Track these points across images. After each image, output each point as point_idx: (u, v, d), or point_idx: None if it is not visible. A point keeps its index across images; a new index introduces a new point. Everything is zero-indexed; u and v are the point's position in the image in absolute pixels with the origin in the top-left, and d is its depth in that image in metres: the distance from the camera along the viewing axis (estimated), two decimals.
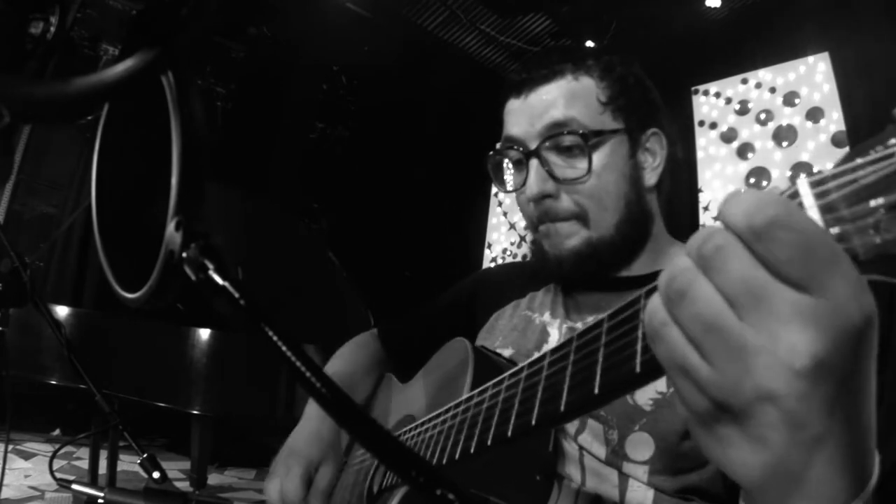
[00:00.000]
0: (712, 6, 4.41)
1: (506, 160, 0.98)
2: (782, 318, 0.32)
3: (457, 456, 0.62)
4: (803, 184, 0.34)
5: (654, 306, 0.37)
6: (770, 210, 0.32)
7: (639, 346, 0.40)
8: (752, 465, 0.35)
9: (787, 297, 0.32)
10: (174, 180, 0.37)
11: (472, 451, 0.59)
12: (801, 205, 0.33)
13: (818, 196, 0.33)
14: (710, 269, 0.34)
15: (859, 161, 0.32)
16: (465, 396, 0.67)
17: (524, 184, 0.92)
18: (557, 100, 0.90)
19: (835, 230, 0.32)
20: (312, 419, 1.06)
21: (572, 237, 0.91)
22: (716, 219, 0.36)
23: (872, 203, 0.31)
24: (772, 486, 0.35)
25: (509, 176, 0.98)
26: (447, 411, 0.71)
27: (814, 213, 0.33)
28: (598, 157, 0.89)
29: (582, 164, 0.88)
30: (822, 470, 0.33)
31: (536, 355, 0.53)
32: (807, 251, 0.31)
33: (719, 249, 0.33)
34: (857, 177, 0.32)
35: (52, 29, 0.42)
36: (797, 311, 0.32)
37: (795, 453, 0.33)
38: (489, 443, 0.56)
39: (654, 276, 0.37)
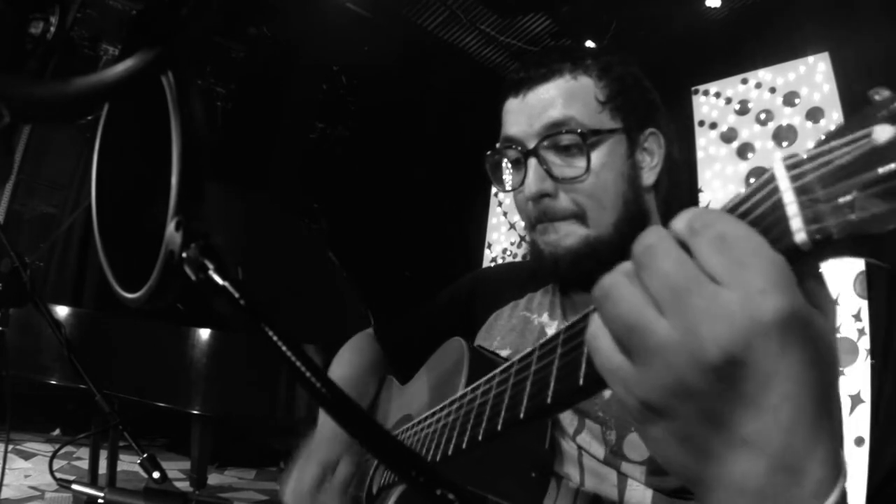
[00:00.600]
0: (712, 6, 4.40)
1: (504, 160, 0.98)
2: (697, 312, 0.32)
3: (450, 452, 0.62)
4: (779, 166, 0.34)
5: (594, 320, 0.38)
6: (708, 214, 0.34)
7: None
8: (683, 464, 0.34)
9: (705, 291, 0.32)
10: (174, 180, 0.38)
11: (464, 446, 0.59)
12: (777, 188, 0.33)
13: (794, 178, 0.33)
14: (641, 266, 0.35)
15: (834, 143, 0.32)
16: (458, 394, 0.67)
17: (522, 183, 0.92)
18: (556, 99, 0.89)
19: (809, 211, 0.32)
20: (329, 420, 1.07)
21: (570, 236, 0.90)
22: None
23: (847, 183, 0.31)
24: (699, 483, 0.34)
25: (508, 176, 0.98)
26: (441, 409, 0.71)
27: (789, 195, 0.33)
28: (596, 157, 0.89)
29: (580, 164, 0.88)
30: (745, 468, 0.32)
31: (526, 351, 0.53)
32: (723, 243, 0.32)
33: (648, 248, 0.35)
34: (833, 157, 0.32)
35: (52, 29, 0.42)
36: (711, 306, 0.32)
37: (722, 452, 0.33)
38: (480, 438, 0.56)
39: None
